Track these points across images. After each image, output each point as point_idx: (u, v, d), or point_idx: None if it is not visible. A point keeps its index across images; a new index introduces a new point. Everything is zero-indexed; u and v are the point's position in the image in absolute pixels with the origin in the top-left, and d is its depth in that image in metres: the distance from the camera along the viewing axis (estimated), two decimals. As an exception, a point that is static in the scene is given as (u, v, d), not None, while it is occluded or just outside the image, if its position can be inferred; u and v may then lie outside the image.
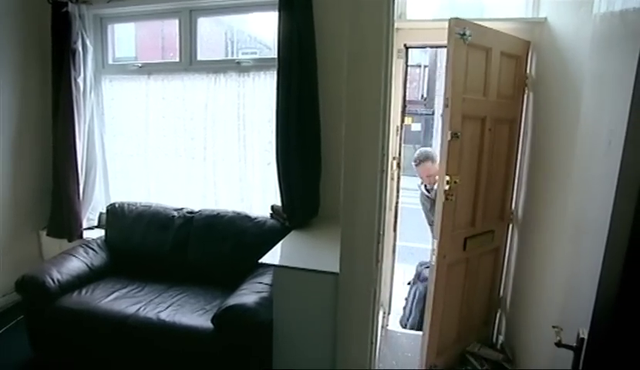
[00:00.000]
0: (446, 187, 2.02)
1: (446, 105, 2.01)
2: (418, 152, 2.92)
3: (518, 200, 2.42)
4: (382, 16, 1.59)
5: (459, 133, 2.01)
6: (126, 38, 3.72)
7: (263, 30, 3.24)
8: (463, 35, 1.96)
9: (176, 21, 3.00)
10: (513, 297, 2.47)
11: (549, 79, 2.10)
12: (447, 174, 2.02)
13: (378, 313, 1.95)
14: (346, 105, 1.65)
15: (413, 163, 2.86)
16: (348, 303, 1.83)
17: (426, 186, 2.87)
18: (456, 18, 1.95)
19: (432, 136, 11.79)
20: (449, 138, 1.99)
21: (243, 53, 4.20)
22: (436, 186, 2.44)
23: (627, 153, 0.77)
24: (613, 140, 0.86)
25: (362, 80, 1.62)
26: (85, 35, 3.01)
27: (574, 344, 0.90)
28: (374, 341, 1.92)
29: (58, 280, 2.34)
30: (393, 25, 1.67)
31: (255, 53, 4.20)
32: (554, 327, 1.01)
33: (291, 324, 2.00)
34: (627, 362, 0.78)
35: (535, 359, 1.95)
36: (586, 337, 0.86)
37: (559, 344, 0.94)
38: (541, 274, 1.99)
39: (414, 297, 2.92)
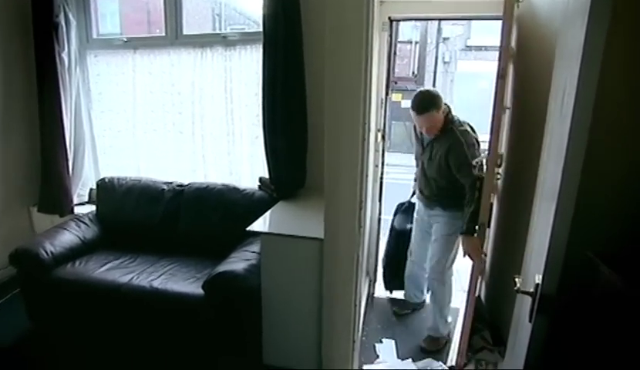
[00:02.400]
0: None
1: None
2: (421, 95, 2.24)
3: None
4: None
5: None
6: (110, 14, 3.67)
7: (250, 4, 3.22)
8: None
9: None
10: (493, 264, 2.60)
11: (528, 52, 2.16)
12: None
13: (360, 276, 2.04)
14: (327, 76, 1.70)
15: (411, 109, 2.24)
16: (333, 266, 1.92)
17: (421, 133, 2.37)
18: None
19: (422, 113, 11.79)
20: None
21: (231, 28, 4.17)
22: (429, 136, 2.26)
23: (576, 112, 0.84)
24: (565, 99, 0.93)
25: (342, 52, 1.67)
26: (67, 9, 2.97)
27: (531, 290, 0.99)
28: (357, 303, 2.02)
29: (52, 253, 2.40)
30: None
31: (243, 28, 4.17)
32: (515, 276, 1.10)
33: (279, 288, 2.09)
34: (571, 300, 0.87)
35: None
36: (540, 282, 0.95)
37: (518, 291, 1.04)
38: (514, 242, 2.10)
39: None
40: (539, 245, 1.13)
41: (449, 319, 2.49)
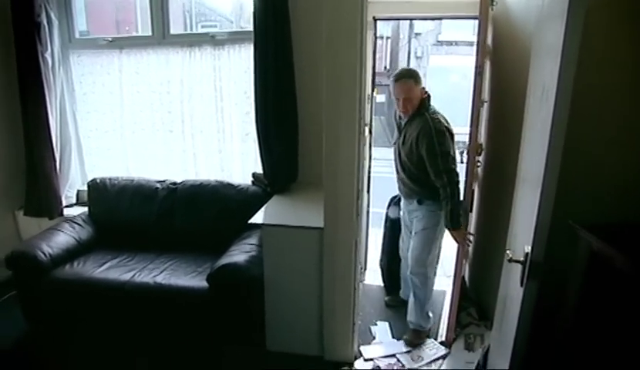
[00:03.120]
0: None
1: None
2: (402, 68, 2.43)
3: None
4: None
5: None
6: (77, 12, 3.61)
7: (220, 2, 3.28)
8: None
9: (147, -6, 2.98)
10: (476, 248, 2.79)
11: (503, 49, 2.34)
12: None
13: (358, 263, 2.18)
14: (326, 74, 1.82)
15: (392, 79, 2.29)
16: (332, 254, 2.05)
17: (400, 116, 2.39)
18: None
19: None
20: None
21: (202, 26, 4.19)
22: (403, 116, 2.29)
23: (557, 105, 0.99)
24: (545, 94, 1.09)
25: (340, 52, 1.79)
26: (49, 8, 2.94)
27: (522, 259, 1.15)
28: (356, 287, 2.16)
29: (49, 254, 2.41)
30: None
31: (215, 26, 4.20)
32: (507, 249, 1.26)
33: (281, 276, 2.20)
34: (556, 263, 1.03)
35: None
36: (529, 251, 1.11)
37: (510, 260, 1.20)
38: (496, 224, 2.29)
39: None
40: (524, 221, 1.29)
41: (431, 314, 2.49)
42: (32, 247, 2.40)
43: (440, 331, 2.51)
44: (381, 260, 2.96)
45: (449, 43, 10.15)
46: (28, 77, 2.92)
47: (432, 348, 2.36)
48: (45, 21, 2.91)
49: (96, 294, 2.33)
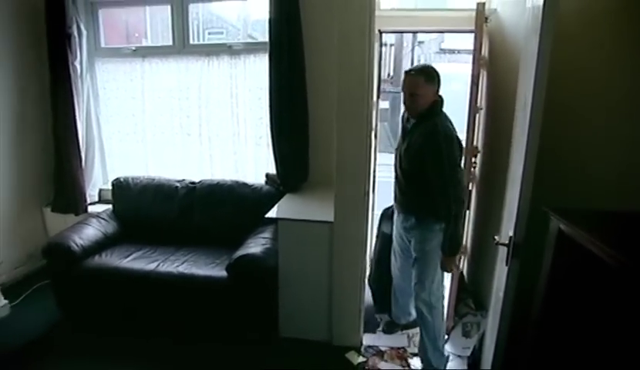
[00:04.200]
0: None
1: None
2: (422, 64, 2.28)
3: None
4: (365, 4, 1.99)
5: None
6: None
7: (227, 11, 3.53)
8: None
9: (168, 7, 3.22)
10: (473, 244, 2.99)
11: (498, 60, 2.55)
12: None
13: (366, 255, 2.38)
14: (337, 79, 2.04)
15: (405, 73, 2.10)
16: (342, 246, 2.26)
17: (407, 118, 2.17)
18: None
19: (399, 114, 12.29)
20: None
21: (209, 33, 4.42)
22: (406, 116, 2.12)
23: (533, 111, 1.21)
24: (526, 102, 1.30)
25: (350, 58, 2.01)
26: (79, 20, 3.19)
27: (507, 242, 1.36)
28: (363, 277, 2.36)
29: (81, 245, 2.63)
30: (374, 11, 2.07)
31: (222, 33, 4.43)
32: (494, 236, 1.46)
33: (294, 267, 2.41)
34: (534, 243, 1.23)
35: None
36: (512, 235, 1.31)
37: (497, 244, 1.40)
38: (490, 221, 2.48)
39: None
40: (511, 212, 1.49)
41: (446, 352, 2.28)
42: (65, 239, 2.62)
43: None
44: (370, 279, 2.76)
45: (452, 51, 10.39)
46: (59, 83, 3.16)
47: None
48: (75, 33, 3.15)
49: (123, 282, 2.53)
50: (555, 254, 1.15)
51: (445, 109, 2.06)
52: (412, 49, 11.32)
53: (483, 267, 2.71)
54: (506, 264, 1.35)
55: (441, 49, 10.67)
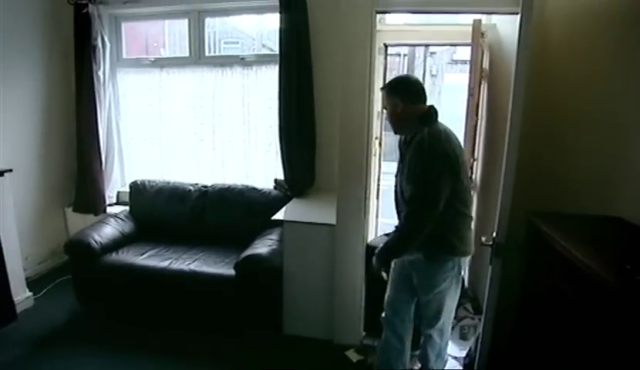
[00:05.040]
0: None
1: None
2: (399, 77, 1.90)
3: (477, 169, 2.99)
4: (367, 20, 2.13)
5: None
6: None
7: (242, 22, 3.71)
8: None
9: (185, 21, 3.43)
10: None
11: (497, 72, 2.66)
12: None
13: (364, 256, 2.49)
14: (340, 93, 2.18)
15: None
16: (343, 247, 2.37)
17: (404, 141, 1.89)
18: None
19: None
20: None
21: (225, 43, 4.62)
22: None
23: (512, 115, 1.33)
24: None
25: (352, 71, 2.16)
26: (103, 33, 3.41)
27: (490, 243, 1.46)
28: (363, 277, 2.47)
29: (100, 243, 2.81)
30: (375, 27, 2.21)
31: (237, 43, 4.63)
32: (482, 237, 1.57)
33: (298, 267, 2.53)
34: (513, 243, 1.34)
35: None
36: (495, 235, 1.42)
37: (482, 244, 1.50)
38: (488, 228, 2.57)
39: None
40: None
41: (447, 357, 2.11)
42: (86, 236, 2.80)
43: (439, 323, 2.78)
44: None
45: (464, 62, 10.47)
46: (84, 91, 3.39)
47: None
48: (100, 44, 3.37)
49: (138, 278, 2.70)
50: (530, 253, 1.25)
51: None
52: (425, 60, 11.44)
53: (482, 273, 2.79)
54: (490, 263, 1.45)
55: (453, 60, 10.76)
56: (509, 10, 1.96)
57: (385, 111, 1.91)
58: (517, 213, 1.43)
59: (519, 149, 1.42)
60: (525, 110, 1.38)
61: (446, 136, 1.70)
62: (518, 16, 1.51)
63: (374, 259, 1.84)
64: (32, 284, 3.08)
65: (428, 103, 1.80)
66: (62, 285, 3.14)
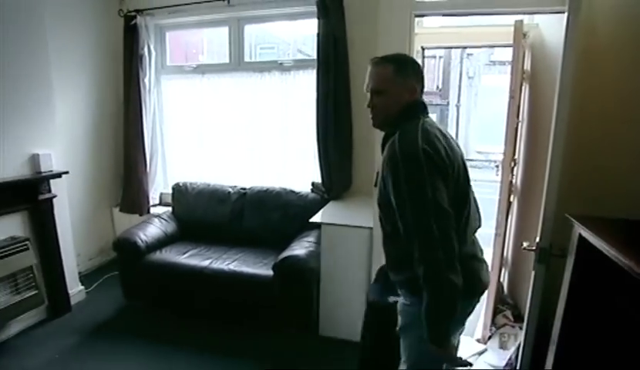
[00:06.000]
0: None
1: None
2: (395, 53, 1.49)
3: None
4: (406, 23, 2.14)
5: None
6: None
7: (278, 28, 3.78)
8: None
9: (226, 29, 3.55)
10: (514, 256, 2.98)
11: (539, 73, 2.59)
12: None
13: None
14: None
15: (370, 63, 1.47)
16: (379, 250, 2.36)
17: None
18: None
19: (447, 126, 12.10)
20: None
21: (261, 48, 4.73)
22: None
23: (557, 122, 1.29)
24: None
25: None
26: (149, 43, 3.60)
27: (533, 248, 1.43)
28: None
29: (145, 241, 2.95)
30: (414, 30, 2.21)
31: (273, 48, 4.72)
32: (521, 243, 1.54)
33: (335, 269, 2.56)
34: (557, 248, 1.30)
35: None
36: (538, 240, 1.39)
37: (524, 248, 1.47)
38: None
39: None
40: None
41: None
42: (132, 235, 2.95)
43: (475, 331, 2.72)
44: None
45: (502, 63, 10.18)
46: (131, 98, 3.58)
47: (469, 345, 2.58)
48: (146, 53, 3.56)
49: (180, 275, 2.82)
50: (576, 261, 1.22)
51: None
52: (461, 61, 11.22)
53: (523, 279, 2.71)
54: (533, 269, 1.42)
55: (491, 61, 10.49)
56: (553, 9, 1.91)
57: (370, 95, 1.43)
58: (560, 218, 1.40)
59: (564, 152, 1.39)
60: (570, 111, 1.34)
61: (429, 133, 1.28)
62: (565, 15, 1.48)
63: (432, 348, 1.25)
64: (83, 278, 3.28)
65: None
66: (110, 280, 3.33)
